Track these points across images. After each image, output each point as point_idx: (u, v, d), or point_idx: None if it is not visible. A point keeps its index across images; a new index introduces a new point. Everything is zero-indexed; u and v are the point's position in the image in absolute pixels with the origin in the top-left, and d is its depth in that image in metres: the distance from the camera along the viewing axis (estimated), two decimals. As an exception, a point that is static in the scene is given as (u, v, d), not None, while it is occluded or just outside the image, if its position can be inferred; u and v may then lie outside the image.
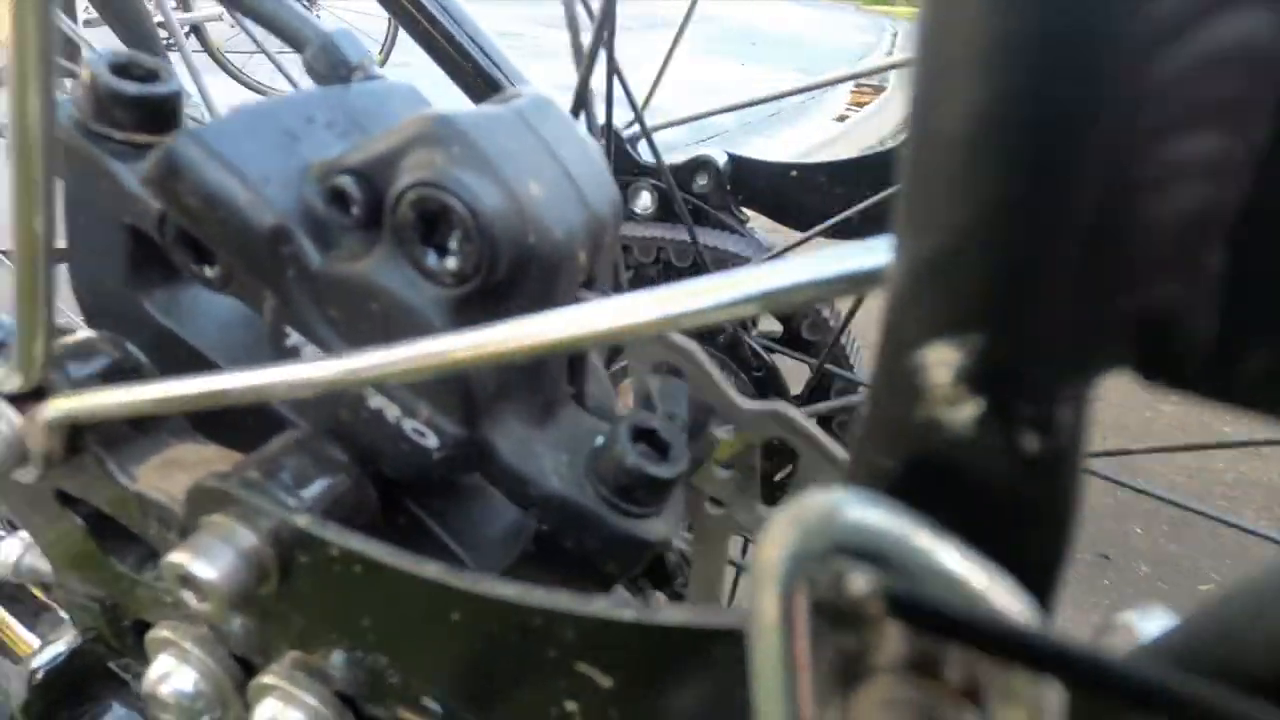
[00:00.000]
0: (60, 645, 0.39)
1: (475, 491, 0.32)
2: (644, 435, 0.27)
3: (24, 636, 0.42)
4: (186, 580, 0.23)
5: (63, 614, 0.45)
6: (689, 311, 0.17)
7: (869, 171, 0.74)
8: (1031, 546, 0.13)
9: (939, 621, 0.11)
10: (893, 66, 0.70)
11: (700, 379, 0.33)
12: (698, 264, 0.71)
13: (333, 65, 0.31)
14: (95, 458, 0.28)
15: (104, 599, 0.34)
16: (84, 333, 0.29)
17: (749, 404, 0.33)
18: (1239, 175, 0.10)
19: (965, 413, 0.12)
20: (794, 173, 0.76)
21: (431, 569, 0.21)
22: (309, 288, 0.25)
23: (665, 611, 0.18)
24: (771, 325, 0.74)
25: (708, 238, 0.72)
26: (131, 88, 0.27)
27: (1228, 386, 0.11)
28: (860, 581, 0.11)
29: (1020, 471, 0.12)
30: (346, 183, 0.24)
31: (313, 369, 0.20)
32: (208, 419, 0.31)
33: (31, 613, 0.43)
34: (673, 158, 0.74)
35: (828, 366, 0.68)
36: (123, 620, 0.35)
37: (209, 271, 0.28)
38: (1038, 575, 0.13)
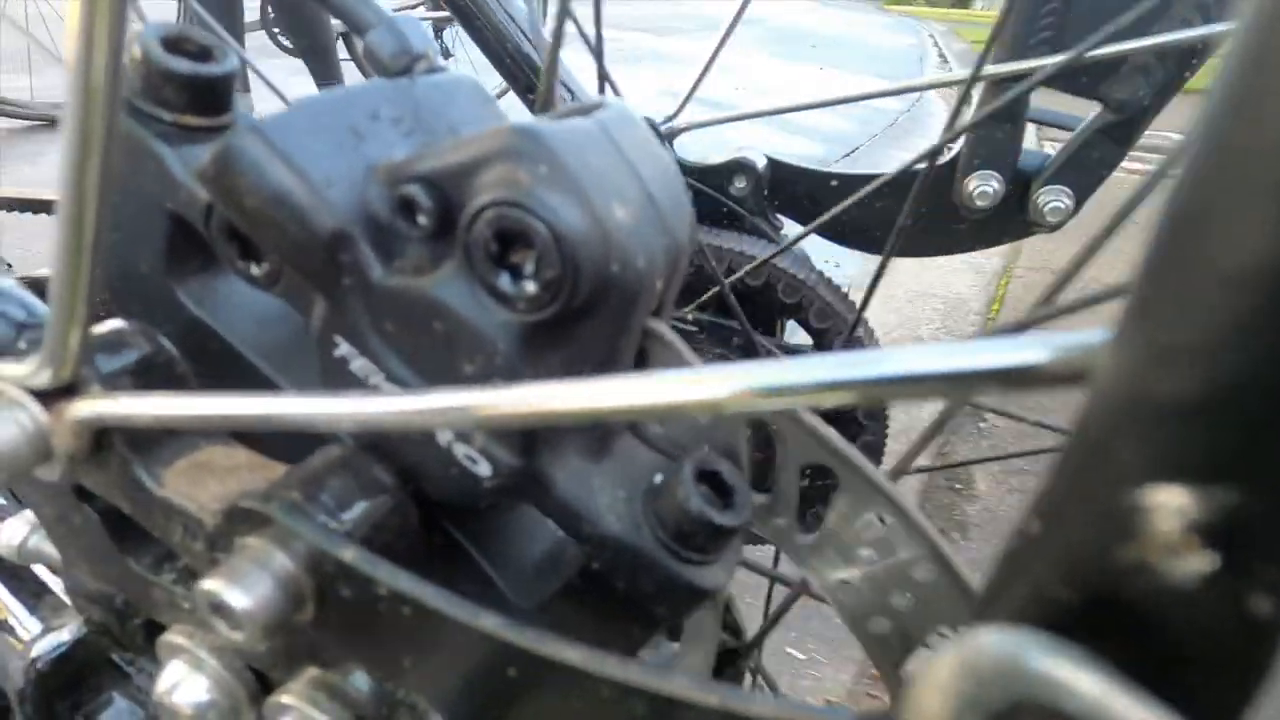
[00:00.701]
0: (64, 634, 0.37)
1: (515, 513, 0.31)
2: (707, 478, 0.26)
3: (23, 619, 0.40)
4: (220, 608, 0.22)
5: (66, 599, 0.43)
6: (793, 386, 0.16)
7: (908, 187, 0.72)
8: (1222, 700, 0.12)
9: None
10: (977, 79, 0.68)
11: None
12: (732, 270, 0.69)
13: (395, 53, 0.29)
14: (121, 458, 0.26)
15: (114, 596, 0.33)
16: (113, 322, 0.27)
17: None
18: None
19: (1190, 566, 0.10)
20: (834, 182, 0.74)
21: (490, 621, 0.20)
22: (365, 298, 0.24)
23: (758, 702, 0.17)
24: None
25: (742, 244, 0.70)
26: (184, 65, 0.25)
27: None
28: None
29: (1238, 631, 0.11)
30: (416, 192, 0.22)
31: (382, 405, 0.19)
32: None
33: (32, 593, 0.42)
34: (711, 159, 0.72)
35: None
36: (133, 618, 0.33)
37: (255, 269, 0.26)
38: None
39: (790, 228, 0.78)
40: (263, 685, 0.31)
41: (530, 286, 0.21)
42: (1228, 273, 0.09)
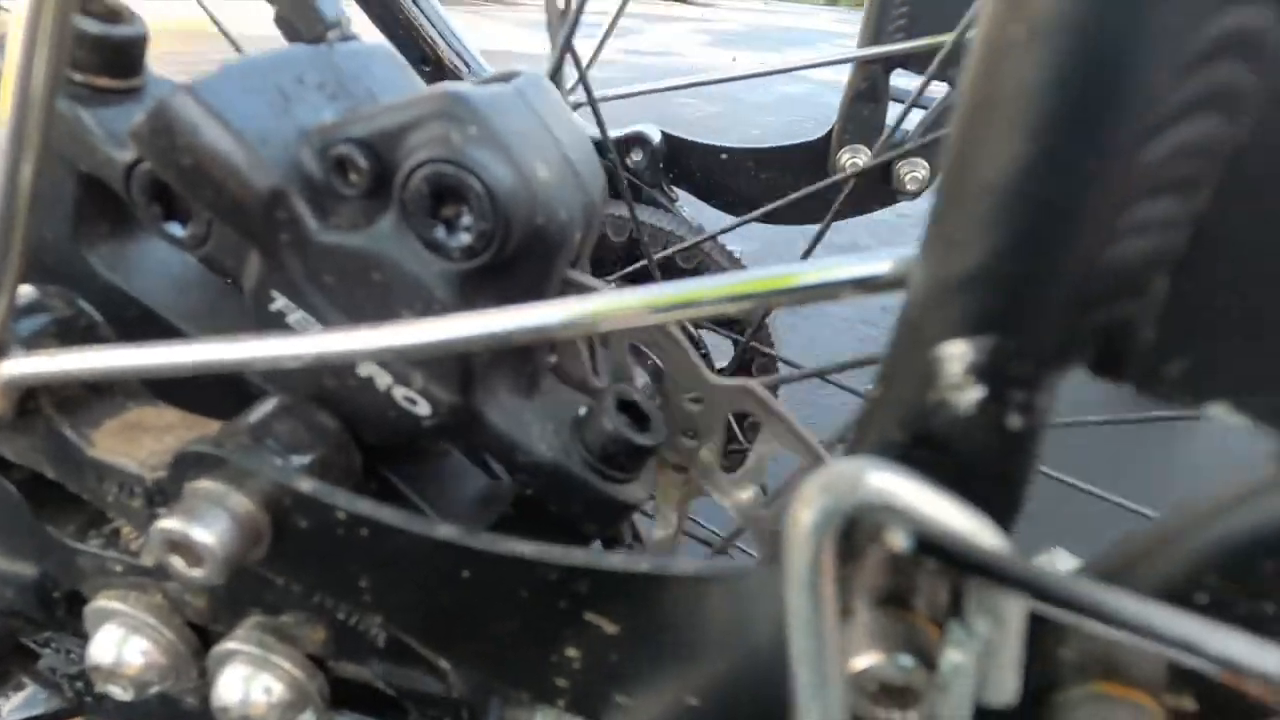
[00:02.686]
0: (-34, 621, 0.36)
1: (447, 459, 0.33)
2: (626, 407, 0.29)
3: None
4: (178, 545, 0.23)
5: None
6: (698, 303, 0.20)
7: (792, 159, 0.79)
8: (1002, 498, 0.17)
9: (952, 557, 0.14)
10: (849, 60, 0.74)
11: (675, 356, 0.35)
12: (634, 239, 0.73)
13: (308, 20, 0.30)
14: (47, 421, 0.26)
15: (30, 574, 0.32)
16: (28, 288, 0.27)
17: (720, 381, 0.36)
18: (1183, 229, 0.13)
19: (970, 397, 0.15)
20: (724, 155, 0.79)
21: (446, 530, 0.22)
22: (303, 253, 0.25)
23: (679, 562, 0.20)
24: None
25: (641, 214, 0.74)
26: (93, 26, 0.25)
27: (1156, 382, 0.15)
28: (899, 537, 0.14)
29: (1004, 443, 0.16)
30: (351, 151, 0.24)
31: (312, 343, 0.21)
32: (165, 381, 0.30)
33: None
34: (611, 132, 0.75)
35: (752, 344, 0.73)
36: (52, 593, 0.33)
37: (180, 230, 0.27)
38: (1005, 519, 0.17)
39: (684, 199, 0.83)
40: (203, 639, 0.32)
41: (465, 237, 0.24)
42: (980, 186, 0.13)
